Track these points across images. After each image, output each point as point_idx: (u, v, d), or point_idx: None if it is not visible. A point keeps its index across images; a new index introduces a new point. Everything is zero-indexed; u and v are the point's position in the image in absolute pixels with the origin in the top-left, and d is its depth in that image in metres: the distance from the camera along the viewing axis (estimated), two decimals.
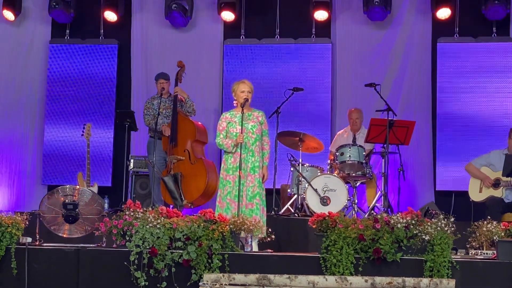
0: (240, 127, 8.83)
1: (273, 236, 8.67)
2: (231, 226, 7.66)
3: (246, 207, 8.69)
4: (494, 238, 7.69)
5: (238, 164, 8.72)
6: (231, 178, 8.78)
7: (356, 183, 10.69)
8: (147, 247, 7.56)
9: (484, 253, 7.92)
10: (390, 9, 12.04)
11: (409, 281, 7.11)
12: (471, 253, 8.04)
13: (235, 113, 8.96)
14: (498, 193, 9.75)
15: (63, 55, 12.68)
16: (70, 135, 12.47)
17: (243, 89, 8.93)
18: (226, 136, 8.93)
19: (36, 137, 12.70)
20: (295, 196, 10.54)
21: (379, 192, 10.63)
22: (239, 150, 8.76)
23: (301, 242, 9.34)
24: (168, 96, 10.97)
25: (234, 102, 9.05)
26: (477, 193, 9.92)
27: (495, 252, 7.71)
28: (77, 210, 8.42)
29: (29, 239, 8.05)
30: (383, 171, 10.50)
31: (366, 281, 7.15)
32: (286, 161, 10.61)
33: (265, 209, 8.92)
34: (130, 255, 7.55)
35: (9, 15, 12.56)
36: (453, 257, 7.49)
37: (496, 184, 9.80)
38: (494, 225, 7.79)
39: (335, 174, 10.42)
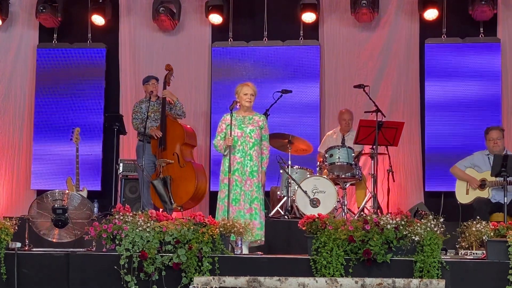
0: (238, 130, 8.84)
1: (263, 239, 8.68)
2: (221, 229, 7.66)
3: (246, 212, 8.70)
4: (484, 238, 7.71)
5: (236, 168, 8.73)
6: (228, 181, 8.78)
7: (345, 185, 10.71)
8: (137, 250, 7.55)
9: (473, 253, 7.94)
10: (377, 11, 12.06)
11: (399, 282, 7.11)
12: (461, 253, 8.05)
13: (235, 115, 8.95)
14: (484, 193, 9.77)
15: (51, 60, 12.64)
16: (59, 139, 12.42)
17: (246, 92, 8.95)
18: (223, 138, 8.93)
19: (25, 142, 12.66)
20: (285, 198, 10.54)
21: (369, 193, 10.65)
22: (235, 154, 8.77)
23: (291, 244, 9.35)
24: (156, 99, 10.95)
25: (237, 104, 9.03)
26: (464, 195, 9.92)
27: (484, 252, 7.74)
28: (66, 214, 8.40)
29: (19, 244, 8.03)
30: (372, 172, 10.52)
31: (356, 282, 7.15)
32: (275, 163, 10.61)
33: (263, 214, 8.93)
34: (120, 259, 7.54)
35: None
36: (442, 257, 7.51)
37: (482, 185, 9.81)
38: (483, 225, 7.81)
39: (325, 176, 10.43)
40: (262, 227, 8.77)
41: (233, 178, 8.73)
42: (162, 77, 10.97)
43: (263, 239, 8.77)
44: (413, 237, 7.44)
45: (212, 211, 9.44)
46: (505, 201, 8.93)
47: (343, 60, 12.33)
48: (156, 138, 10.61)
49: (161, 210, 9.98)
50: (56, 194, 8.57)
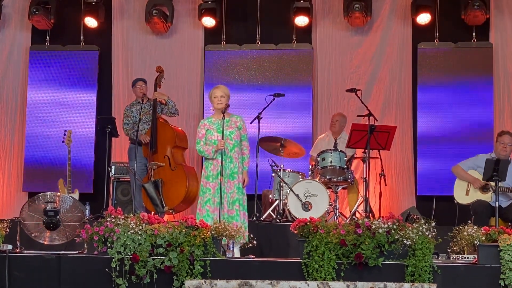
0: (218, 134, 8.80)
1: (255, 242, 8.66)
2: (212, 232, 7.66)
3: (227, 214, 8.69)
4: (475, 242, 7.72)
5: (218, 171, 8.71)
6: (211, 185, 8.76)
7: (337, 188, 10.71)
8: (129, 253, 7.54)
9: (465, 258, 7.96)
10: (370, 15, 12.08)
11: (391, 286, 7.13)
12: (452, 258, 8.07)
13: (213, 120, 8.95)
14: (486, 197, 9.68)
15: (43, 62, 12.61)
16: (51, 141, 12.40)
17: (215, 95, 8.95)
18: (205, 143, 8.92)
19: (17, 144, 12.62)
20: (277, 201, 10.54)
21: (361, 197, 10.65)
22: (219, 157, 8.76)
23: (283, 248, 9.35)
24: (147, 101, 10.93)
25: (211, 108, 9.06)
26: (463, 196, 9.85)
27: (476, 256, 7.75)
28: (58, 217, 8.38)
29: (10, 247, 8.01)
30: (364, 176, 10.52)
31: (347, 286, 7.16)
32: (267, 166, 10.61)
33: (246, 214, 8.91)
34: (112, 261, 7.53)
35: None
36: (434, 261, 7.52)
37: (485, 188, 9.74)
38: (475, 229, 7.82)
39: (317, 180, 10.43)
40: (244, 228, 8.74)
41: (216, 182, 8.72)
42: (153, 79, 10.95)
43: (247, 240, 8.70)
44: (405, 241, 7.45)
45: None
46: (497, 205, 8.92)
47: (336, 63, 12.34)
48: (144, 143, 10.61)
49: (152, 213, 9.97)
50: (48, 196, 8.55)
